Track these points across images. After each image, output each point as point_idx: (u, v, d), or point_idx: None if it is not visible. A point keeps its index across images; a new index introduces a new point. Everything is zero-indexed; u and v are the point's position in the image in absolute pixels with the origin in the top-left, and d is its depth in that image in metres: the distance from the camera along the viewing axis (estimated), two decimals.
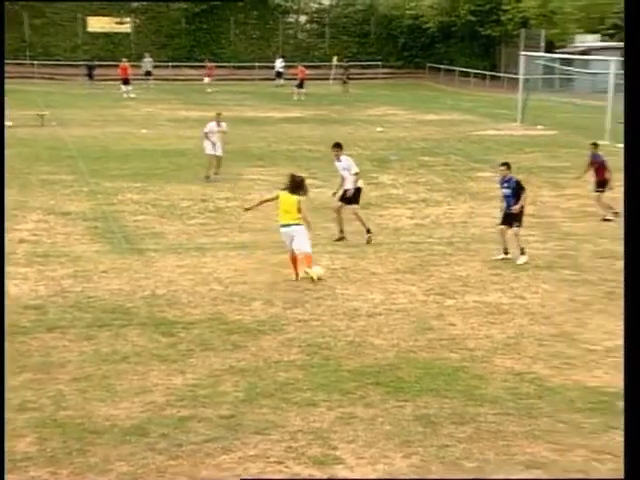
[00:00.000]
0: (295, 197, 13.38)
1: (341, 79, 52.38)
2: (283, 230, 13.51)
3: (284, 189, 13.54)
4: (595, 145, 18.91)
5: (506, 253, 14.66)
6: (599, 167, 18.35)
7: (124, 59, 49.16)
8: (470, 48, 60.60)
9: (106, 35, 60.52)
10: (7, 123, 31.54)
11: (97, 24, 60.08)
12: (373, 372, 9.64)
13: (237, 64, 57.98)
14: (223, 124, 22.53)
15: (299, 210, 13.37)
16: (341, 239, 16.03)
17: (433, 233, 16.79)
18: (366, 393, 9.07)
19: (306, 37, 64.95)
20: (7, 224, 16.50)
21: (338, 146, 16.37)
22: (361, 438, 8.06)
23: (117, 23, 60.46)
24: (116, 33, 60.68)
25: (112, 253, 14.76)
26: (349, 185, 16.03)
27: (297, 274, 13.37)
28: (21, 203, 18.42)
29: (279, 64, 54.21)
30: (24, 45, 59.29)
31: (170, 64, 55.90)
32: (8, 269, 13.46)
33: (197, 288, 12.84)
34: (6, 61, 55.41)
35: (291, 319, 11.49)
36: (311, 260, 13.37)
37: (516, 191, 14.63)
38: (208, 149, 22.17)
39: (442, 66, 59.95)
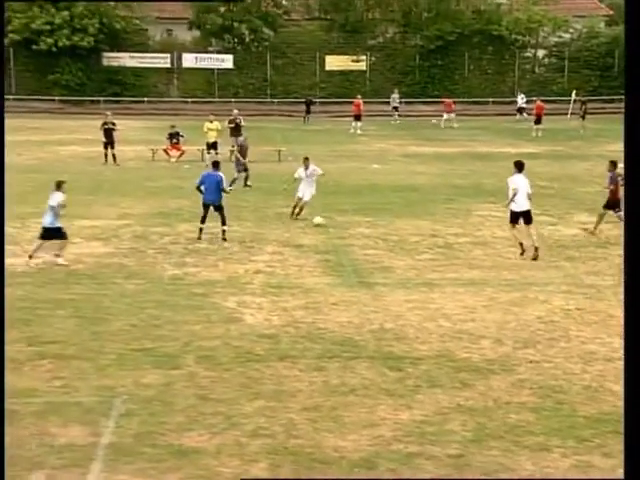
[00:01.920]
0: None
1: (579, 114, 50.82)
2: None
3: None
4: (613, 164, 18.73)
5: None
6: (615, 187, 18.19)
7: (358, 96, 50.32)
8: None
9: (342, 73, 62.25)
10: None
11: (334, 62, 61.94)
12: (612, 420, 9.11)
13: (470, 99, 57.74)
14: (312, 167, 21.29)
15: None
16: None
17: None
18: (604, 442, 8.58)
19: (544, 71, 63.62)
20: (245, 255, 17.26)
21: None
22: None
23: (353, 61, 62.03)
24: (352, 71, 62.27)
25: (342, 286, 14.98)
26: None
27: None
28: (258, 235, 19.14)
29: (521, 100, 53.21)
30: (266, 84, 62.16)
31: (403, 100, 56.58)
32: (245, 298, 14.02)
33: (425, 324, 12.75)
34: (249, 99, 58.56)
35: (522, 359, 11.13)
36: None
37: None
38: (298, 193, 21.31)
39: None
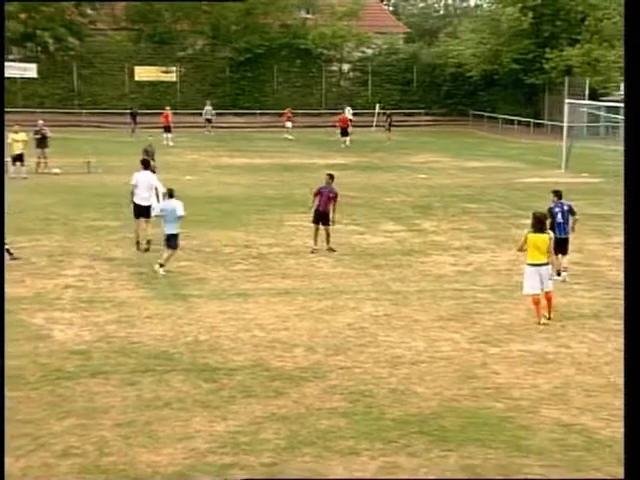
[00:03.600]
0: (547, 235, 13.61)
1: (383, 126, 52.59)
2: (532, 270, 13.62)
3: (531, 230, 13.83)
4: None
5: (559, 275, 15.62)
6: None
7: (167, 107, 49.91)
8: (514, 96, 60.58)
9: (152, 84, 61.56)
10: (55, 170, 32.22)
11: (144, 73, 61.14)
12: (416, 421, 9.53)
13: (280, 111, 58.54)
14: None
15: (549, 249, 13.72)
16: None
17: (477, 280, 16.66)
18: (409, 442, 8.96)
19: (349, 85, 65.46)
20: (54, 269, 16.76)
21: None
22: None
23: (163, 72, 61.47)
24: (162, 82, 61.69)
25: (156, 299, 14.85)
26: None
27: (549, 314, 13.67)
28: (67, 249, 18.65)
29: (348, 112, 53.83)
30: (73, 94, 60.48)
31: (215, 112, 56.60)
32: (54, 314, 13.63)
33: (239, 334, 12.85)
34: (56, 110, 56.76)
35: (333, 366, 11.44)
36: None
37: (567, 216, 15.99)
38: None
39: (485, 114, 59.98)
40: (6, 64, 59.18)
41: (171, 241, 16.86)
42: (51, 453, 8.63)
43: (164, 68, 61.32)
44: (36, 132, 33.26)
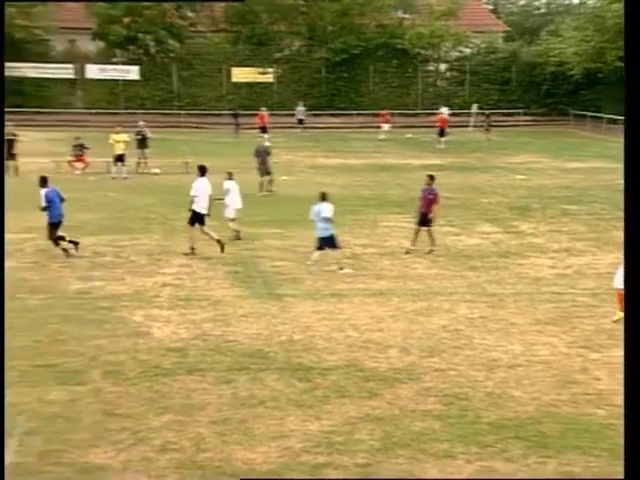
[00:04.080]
0: None
1: (481, 126, 51.90)
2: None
3: None
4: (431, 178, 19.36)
5: None
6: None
7: (263, 108, 50.36)
8: (618, 95, 59.02)
9: (249, 85, 62.24)
10: (155, 170, 32.85)
11: (241, 75, 61.85)
12: (513, 425, 9.36)
13: (375, 111, 58.39)
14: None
15: None
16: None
17: (576, 283, 16.28)
18: (506, 447, 8.81)
19: (446, 85, 64.86)
20: (152, 268, 17.09)
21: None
22: None
23: (260, 73, 62.07)
24: (259, 83, 62.31)
25: (251, 298, 14.99)
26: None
27: None
28: (165, 248, 18.98)
29: (446, 112, 53.39)
30: (172, 96, 61.65)
31: (310, 112, 56.86)
32: (153, 312, 13.90)
33: (333, 334, 12.86)
34: (155, 111, 57.93)
35: (427, 368, 11.34)
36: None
37: None
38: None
39: (588, 113, 58.58)
40: (110, 67, 60.85)
41: (327, 243, 17.12)
42: (150, 447, 8.80)
43: (261, 69, 61.91)
44: (137, 133, 34.00)
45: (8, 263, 17.03)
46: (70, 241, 18.02)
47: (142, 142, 33.88)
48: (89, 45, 61.75)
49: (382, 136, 50.39)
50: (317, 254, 17.27)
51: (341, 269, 17.00)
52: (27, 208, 23.16)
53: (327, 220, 17.27)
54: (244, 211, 24.14)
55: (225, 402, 10.07)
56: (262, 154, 28.74)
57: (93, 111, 58.44)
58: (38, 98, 59.28)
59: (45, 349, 11.84)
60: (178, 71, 61.34)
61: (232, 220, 20.58)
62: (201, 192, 18.77)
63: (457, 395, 10.31)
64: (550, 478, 7.56)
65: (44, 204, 17.97)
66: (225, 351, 11.99)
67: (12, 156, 31.58)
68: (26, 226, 20.82)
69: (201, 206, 18.70)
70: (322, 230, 17.24)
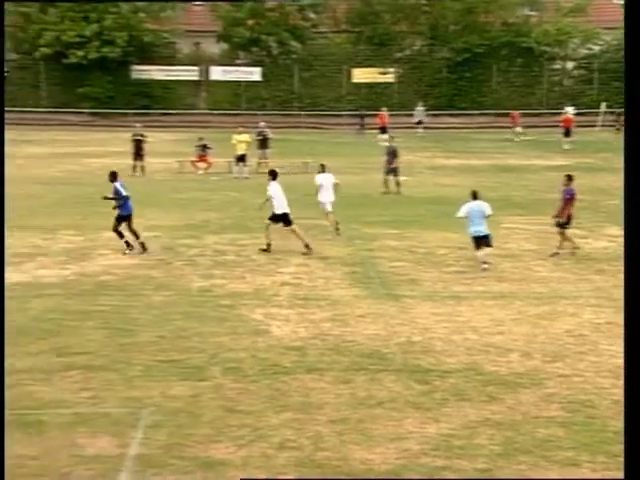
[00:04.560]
0: None
1: (610, 126, 50.34)
2: None
3: None
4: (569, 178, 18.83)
5: None
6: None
7: (383, 108, 50.29)
8: None
9: (369, 86, 62.30)
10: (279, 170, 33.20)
11: (362, 75, 61.99)
12: None
13: (499, 111, 57.52)
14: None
15: None
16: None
17: None
18: None
19: (572, 83, 63.26)
20: (272, 267, 17.28)
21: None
22: None
23: (380, 73, 62.05)
24: (379, 83, 62.28)
25: (369, 298, 14.96)
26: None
27: None
28: (283, 247, 19.13)
29: (571, 111, 52.14)
30: (293, 97, 62.34)
31: (430, 113, 56.46)
32: (272, 310, 14.04)
33: (452, 336, 12.69)
34: (276, 112, 58.68)
35: (551, 373, 11.05)
36: None
37: None
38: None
39: None
40: (234, 68, 62.00)
41: (483, 241, 17.15)
42: (269, 445, 8.87)
43: (382, 69, 61.88)
44: (258, 133, 34.49)
45: (131, 261, 17.53)
46: (136, 240, 18.33)
47: (263, 142, 34.35)
48: (213, 47, 63.09)
49: (517, 138, 49.22)
50: (481, 253, 17.14)
51: (484, 264, 16.90)
52: (152, 207, 23.85)
53: (486, 218, 17.20)
54: (361, 211, 24.23)
55: (343, 402, 10.07)
56: (391, 154, 28.86)
57: (216, 112, 59.64)
58: (164, 100, 60.94)
59: (168, 345, 12.11)
60: (299, 72, 61.96)
61: (329, 213, 20.98)
62: (277, 194, 18.88)
63: (582, 402, 10.01)
64: (550, 478, 7.29)
65: (118, 197, 18.26)
66: (343, 351, 11.99)
67: (140, 156, 32.56)
68: (150, 224, 21.38)
69: (281, 207, 18.84)
70: (480, 228, 17.12)
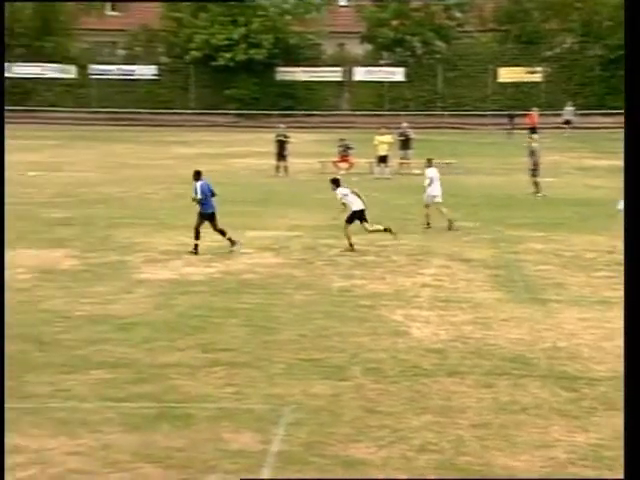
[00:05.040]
0: None
1: None
2: None
3: None
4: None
5: None
6: None
7: (534, 108, 49.24)
8: None
9: (515, 85, 61.16)
10: (416, 171, 32.97)
11: (508, 75, 60.94)
12: None
13: None
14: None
15: None
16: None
17: None
18: None
19: None
20: (412, 268, 17.18)
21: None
22: None
23: (528, 73, 60.81)
24: (525, 83, 61.06)
25: (513, 302, 14.64)
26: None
27: None
28: (425, 248, 19.01)
29: None
30: (436, 97, 61.96)
31: (579, 112, 54.92)
32: (412, 312, 13.95)
33: (601, 343, 12.26)
34: (419, 112, 58.44)
35: None
36: None
37: None
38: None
39: None
40: (377, 69, 62.17)
41: None
42: (409, 446, 8.80)
43: (529, 68, 60.64)
44: (400, 134, 34.43)
45: (275, 260, 17.79)
46: (229, 239, 18.37)
47: (405, 143, 34.26)
48: (357, 48, 63.47)
49: None
50: None
51: None
52: (294, 207, 24.16)
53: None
54: (505, 213, 23.78)
55: (485, 406, 9.88)
56: (534, 155, 28.31)
57: (358, 113, 59.94)
58: (308, 101, 61.73)
59: (309, 344, 12.21)
60: (443, 72, 61.52)
61: (440, 205, 21.31)
62: (349, 197, 19.01)
63: None
64: (550, 478, 6.81)
65: (199, 196, 18.24)
66: (485, 355, 11.78)
67: (283, 157, 33.06)
68: (293, 224, 21.67)
69: (357, 204, 18.92)
70: None
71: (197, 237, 18.20)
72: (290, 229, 21.00)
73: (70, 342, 12.11)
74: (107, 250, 18.43)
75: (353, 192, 19.23)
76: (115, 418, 9.42)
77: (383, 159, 31.94)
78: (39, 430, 9.08)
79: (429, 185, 21.65)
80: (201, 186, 18.36)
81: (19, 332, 12.38)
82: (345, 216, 19.14)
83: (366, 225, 19.11)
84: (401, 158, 33.91)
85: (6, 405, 9.03)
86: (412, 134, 34.81)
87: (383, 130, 32.99)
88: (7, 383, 10.26)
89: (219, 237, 19.10)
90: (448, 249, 18.96)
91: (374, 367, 11.21)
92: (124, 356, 11.52)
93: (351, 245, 18.73)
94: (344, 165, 33.50)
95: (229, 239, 18.40)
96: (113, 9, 66.97)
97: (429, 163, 22.30)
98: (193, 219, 18.61)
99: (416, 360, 11.52)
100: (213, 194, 18.56)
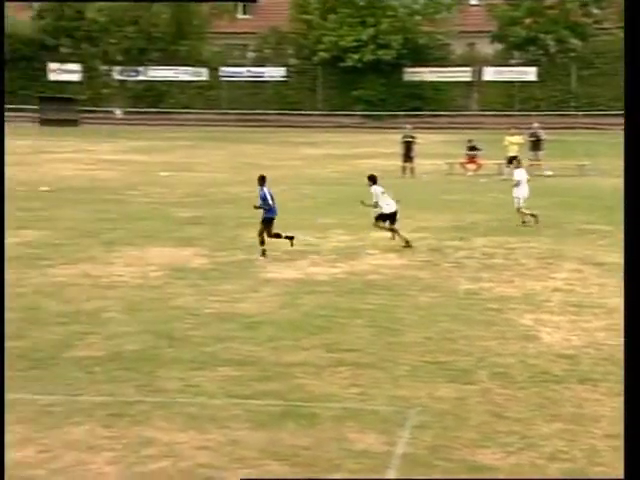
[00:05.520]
0: None
1: None
2: None
3: None
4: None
5: None
6: None
7: None
8: None
9: None
10: (547, 172, 32.28)
11: None
12: None
13: None
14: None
15: None
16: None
17: None
18: None
19: None
20: (542, 272, 16.75)
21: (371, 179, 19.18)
22: None
23: None
24: None
25: None
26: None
27: None
28: (556, 252, 18.52)
29: None
30: (570, 96, 60.46)
31: None
32: (542, 316, 13.60)
33: None
34: (550, 112, 57.13)
35: None
36: None
37: None
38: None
39: None
40: (507, 69, 61.16)
41: None
42: (539, 454, 8.56)
43: None
44: (531, 134, 33.75)
45: (399, 261, 17.67)
46: (286, 237, 18.00)
47: (536, 144, 33.55)
48: (487, 48, 62.62)
49: None
50: None
51: None
52: (420, 208, 23.97)
53: None
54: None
55: (620, 416, 9.50)
56: None
57: (487, 113, 59.11)
58: (435, 101, 61.34)
59: (434, 346, 12.06)
60: (577, 70, 59.97)
61: (521, 208, 21.16)
62: (379, 195, 18.97)
63: None
64: (550, 478, 6.22)
65: (270, 202, 17.79)
66: (619, 362, 11.29)
67: (409, 158, 32.91)
68: (419, 226, 21.48)
69: (389, 206, 18.90)
70: None
71: (278, 236, 17.96)
72: (416, 230, 20.82)
73: (199, 339, 12.35)
74: (235, 249, 18.73)
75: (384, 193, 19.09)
76: (242, 415, 9.53)
77: (513, 160, 31.35)
78: (169, 424, 9.27)
79: (516, 186, 21.28)
80: (269, 192, 18.01)
81: (151, 328, 12.72)
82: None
83: (393, 227, 19.08)
84: (532, 159, 33.21)
85: (138, 399, 9.27)
86: (543, 135, 34.06)
87: (513, 131, 32.42)
88: (139, 378, 10.57)
89: (345, 238, 19.14)
90: (580, 252, 18.42)
91: (501, 372, 10.98)
92: (250, 354, 11.66)
93: (407, 242, 18.79)
94: (472, 166, 33.10)
95: (287, 237, 18.07)
96: (244, 12, 68.26)
97: (518, 164, 21.90)
98: (319, 220, 18.70)
99: (546, 366, 11.22)
100: (273, 199, 18.14)
